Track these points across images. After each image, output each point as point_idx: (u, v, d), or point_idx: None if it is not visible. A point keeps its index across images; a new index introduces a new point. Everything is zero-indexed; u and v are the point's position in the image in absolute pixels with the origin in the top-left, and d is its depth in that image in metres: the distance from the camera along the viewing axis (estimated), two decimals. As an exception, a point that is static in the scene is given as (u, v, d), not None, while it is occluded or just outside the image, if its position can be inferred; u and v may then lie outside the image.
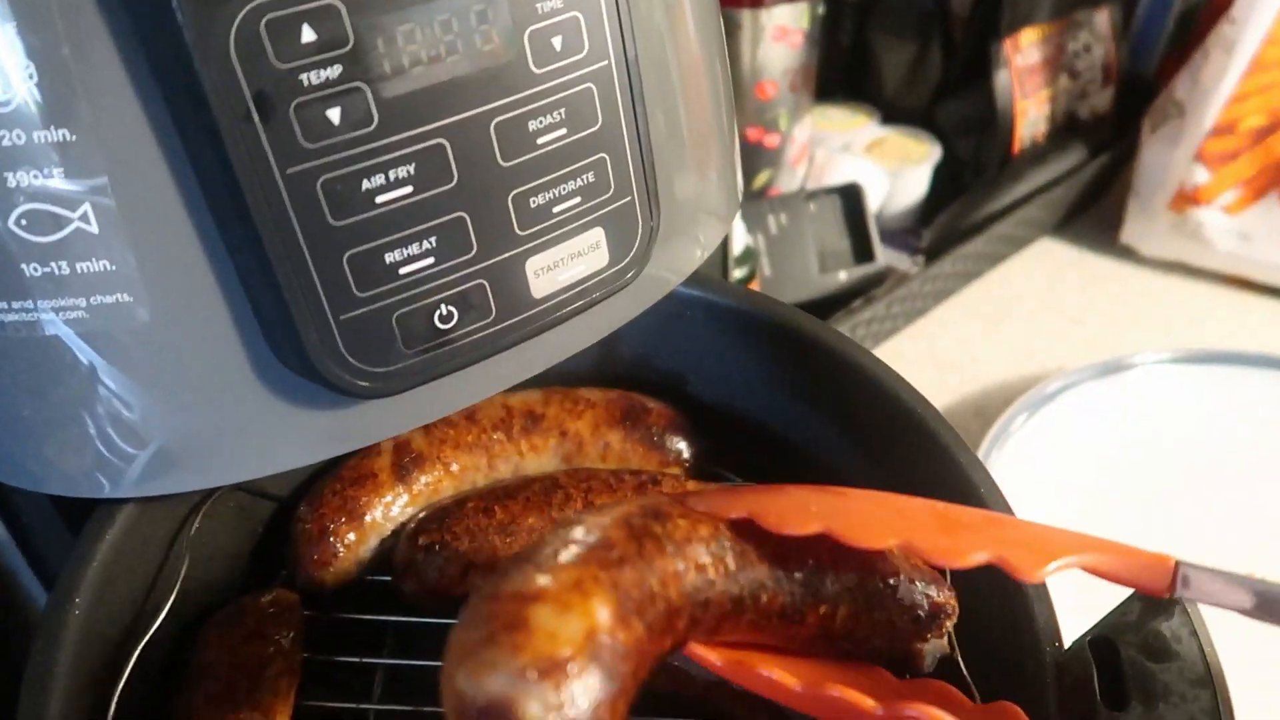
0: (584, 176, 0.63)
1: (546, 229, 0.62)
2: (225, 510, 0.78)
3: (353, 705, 0.81)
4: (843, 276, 1.51)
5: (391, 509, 0.83)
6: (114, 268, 0.53)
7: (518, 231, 0.61)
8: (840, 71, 1.83)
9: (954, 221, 1.57)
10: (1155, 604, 0.63)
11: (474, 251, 0.60)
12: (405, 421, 0.65)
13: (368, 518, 0.82)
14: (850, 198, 1.52)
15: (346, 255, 0.55)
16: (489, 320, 0.62)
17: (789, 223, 1.50)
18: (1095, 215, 1.79)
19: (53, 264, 0.53)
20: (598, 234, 0.65)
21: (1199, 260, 1.63)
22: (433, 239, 0.58)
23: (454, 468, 0.85)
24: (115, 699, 0.63)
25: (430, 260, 0.58)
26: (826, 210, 1.53)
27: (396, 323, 0.58)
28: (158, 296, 0.55)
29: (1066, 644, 0.62)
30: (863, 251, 1.52)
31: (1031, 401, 1.26)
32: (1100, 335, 1.54)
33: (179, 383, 0.59)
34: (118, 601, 0.66)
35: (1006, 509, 0.69)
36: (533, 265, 0.63)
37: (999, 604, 0.65)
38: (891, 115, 1.80)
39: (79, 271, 0.53)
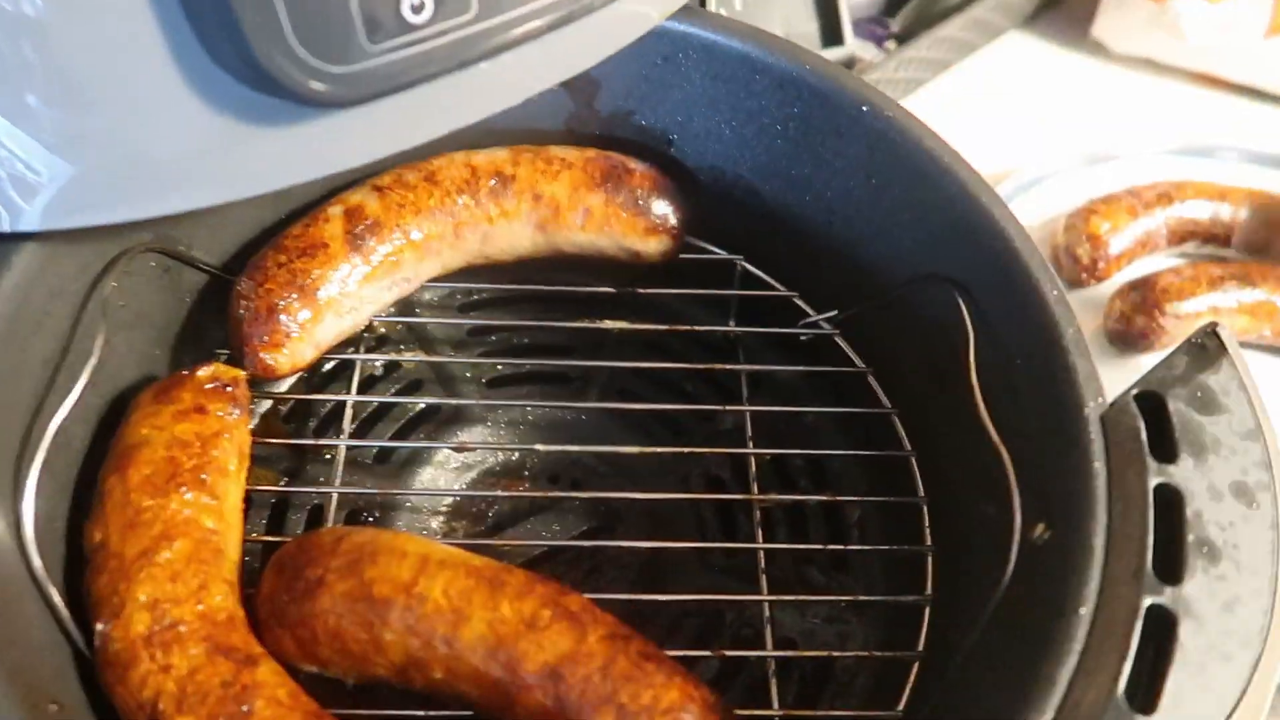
0: None
1: (537, -99, 0.51)
2: (145, 272, 0.67)
3: (313, 489, 0.74)
4: (810, 62, 1.40)
5: (349, 283, 0.72)
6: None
7: (503, -100, 0.50)
8: None
9: (928, 3, 1.47)
10: (1202, 357, 0.59)
11: (451, -80, 0.48)
12: (365, 147, 0.54)
13: (322, 294, 0.70)
14: (820, -27, 1.40)
15: (293, -95, 0.43)
16: (469, 16, 0.51)
17: (754, -2, 1.38)
18: (1067, 8, 1.71)
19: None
20: (595, -81, 0.54)
21: (1170, 57, 1.57)
22: (401, -105, 0.46)
23: (415, 236, 0.74)
24: (34, 475, 0.54)
25: (398, -76, 0.46)
26: (794, -13, 1.41)
27: (358, 7, 0.47)
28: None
29: (1112, 400, 0.57)
30: (831, 34, 1.41)
31: (1017, 184, 1.20)
32: (1067, 132, 1.49)
33: (77, 84, 0.47)
34: (26, 364, 0.56)
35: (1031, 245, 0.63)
36: (520, -50, 0.52)
37: (1037, 362, 0.59)
38: (858, -109, 1.65)
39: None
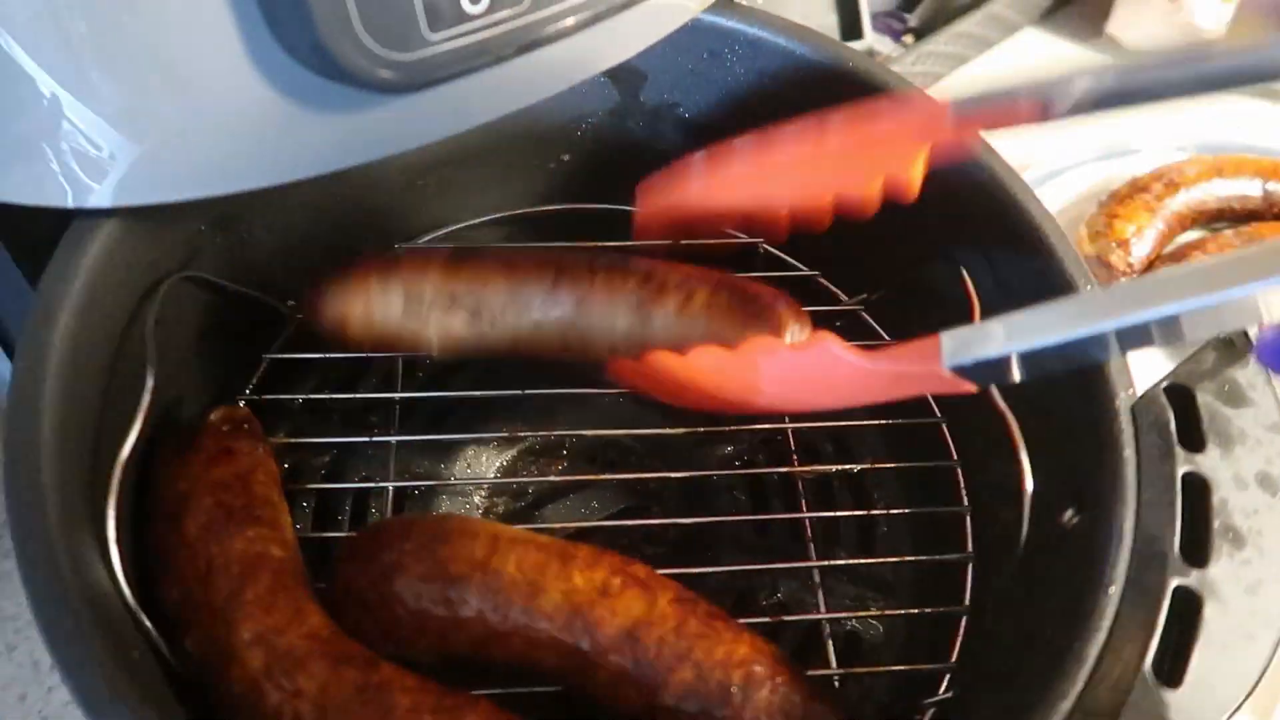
0: None
1: (593, -103, 0.52)
2: (184, 298, 0.67)
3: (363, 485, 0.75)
4: (829, 54, 1.41)
5: (435, 292, 0.72)
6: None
7: (561, -104, 0.51)
8: None
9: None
10: (1230, 352, 0.61)
11: (512, -84, 0.50)
12: (420, 130, 0.56)
13: (406, 287, 0.71)
14: (840, -33, 1.41)
15: (367, -101, 0.45)
16: (521, 8, 0.52)
17: (775, -9, 1.39)
18: (1082, 5, 1.72)
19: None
20: (646, -86, 0.55)
21: (1184, 54, 1.59)
22: (467, -109, 0.47)
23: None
24: (111, 503, 0.55)
25: (463, -80, 0.48)
26: (814, -20, 1.41)
27: (422, -3, 0.49)
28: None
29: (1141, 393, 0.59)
30: (850, 28, 1.42)
31: (1034, 178, 1.22)
32: (1082, 127, 1.50)
33: (160, 72, 0.49)
34: (87, 393, 0.56)
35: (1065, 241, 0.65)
36: (575, -54, 0.53)
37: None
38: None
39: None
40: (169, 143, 0.51)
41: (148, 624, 0.54)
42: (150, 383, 0.59)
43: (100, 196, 0.52)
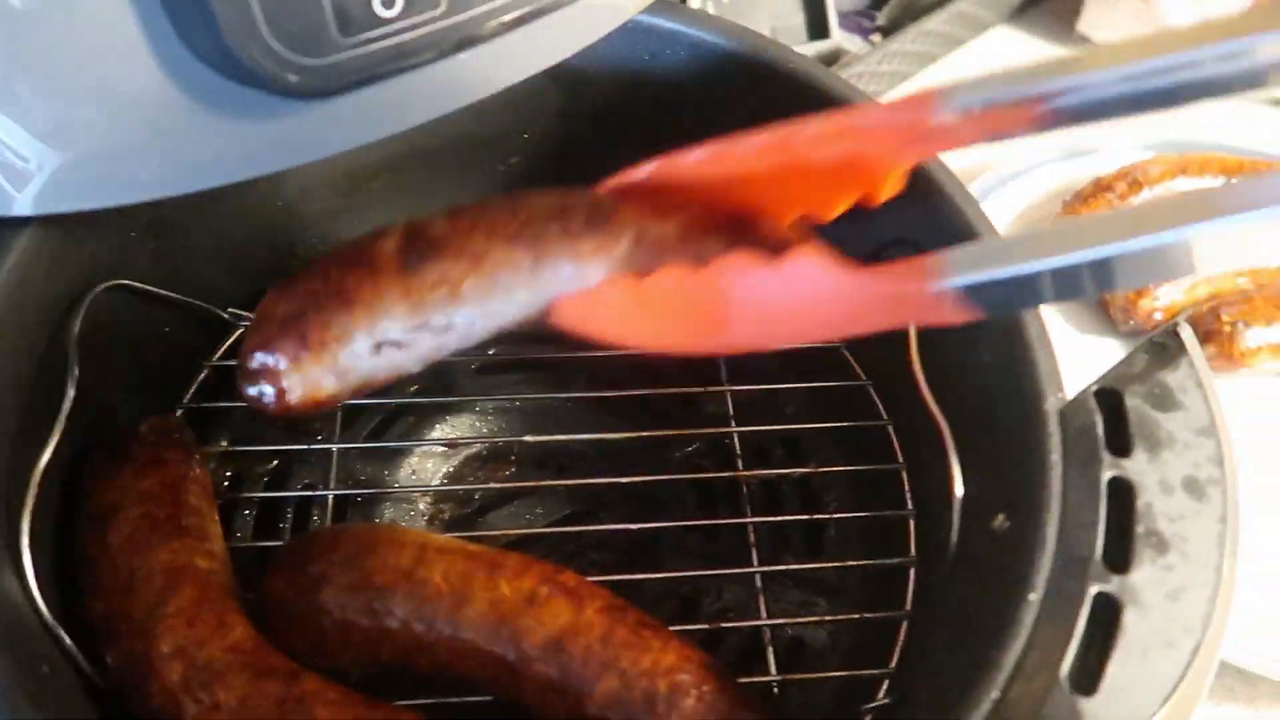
0: None
1: (509, -101, 0.52)
2: (113, 305, 0.66)
3: (306, 492, 0.75)
4: (796, 53, 1.41)
5: (393, 310, 0.59)
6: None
7: (475, -102, 0.50)
8: None
9: (914, -2, 1.47)
10: (1161, 355, 0.60)
11: (423, -83, 0.49)
12: (343, 135, 0.55)
13: (355, 314, 0.58)
14: (807, -35, 1.40)
15: (265, -98, 0.44)
16: (438, 11, 0.52)
17: (740, -10, 1.38)
18: (1053, 3, 1.72)
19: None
20: (567, -83, 0.55)
21: (1155, 52, 1.58)
22: (373, -107, 0.47)
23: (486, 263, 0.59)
24: (27, 516, 0.55)
25: (370, -78, 0.47)
26: (781, -21, 1.41)
27: (330, 1, 0.48)
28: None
29: (1072, 396, 0.59)
30: (817, 27, 1.42)
31: (998, 177, 1.22)
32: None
33: (66, 80, 0.48)
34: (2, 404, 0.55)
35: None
36: (491, -53, 0.52)
37: (999, 353, 0.61)
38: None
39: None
40: (87, 151, 0.50)
41: (65, 638, 0.53)
42: (71, 393, 0.59)
43: (22, 205, 0.51)
